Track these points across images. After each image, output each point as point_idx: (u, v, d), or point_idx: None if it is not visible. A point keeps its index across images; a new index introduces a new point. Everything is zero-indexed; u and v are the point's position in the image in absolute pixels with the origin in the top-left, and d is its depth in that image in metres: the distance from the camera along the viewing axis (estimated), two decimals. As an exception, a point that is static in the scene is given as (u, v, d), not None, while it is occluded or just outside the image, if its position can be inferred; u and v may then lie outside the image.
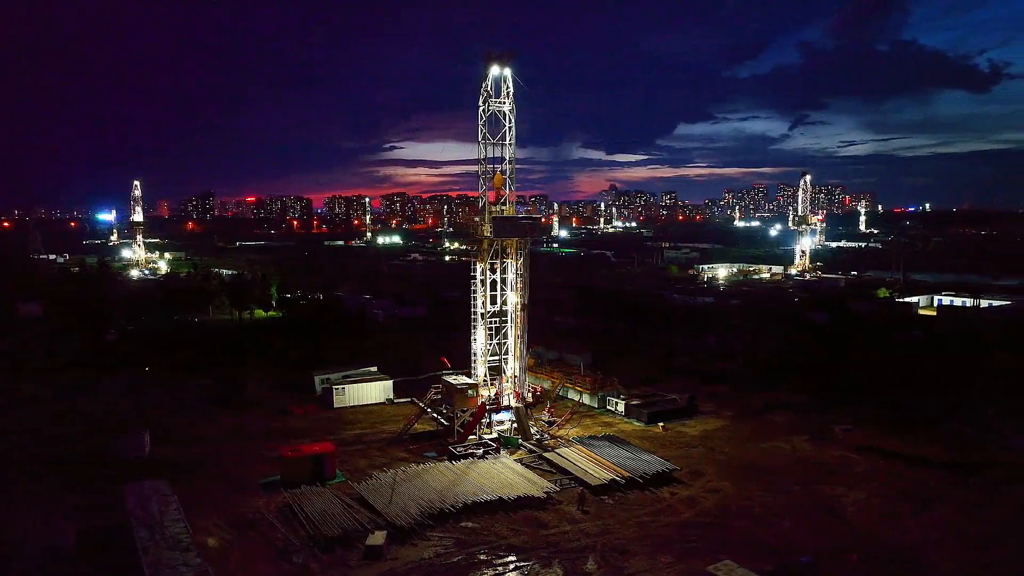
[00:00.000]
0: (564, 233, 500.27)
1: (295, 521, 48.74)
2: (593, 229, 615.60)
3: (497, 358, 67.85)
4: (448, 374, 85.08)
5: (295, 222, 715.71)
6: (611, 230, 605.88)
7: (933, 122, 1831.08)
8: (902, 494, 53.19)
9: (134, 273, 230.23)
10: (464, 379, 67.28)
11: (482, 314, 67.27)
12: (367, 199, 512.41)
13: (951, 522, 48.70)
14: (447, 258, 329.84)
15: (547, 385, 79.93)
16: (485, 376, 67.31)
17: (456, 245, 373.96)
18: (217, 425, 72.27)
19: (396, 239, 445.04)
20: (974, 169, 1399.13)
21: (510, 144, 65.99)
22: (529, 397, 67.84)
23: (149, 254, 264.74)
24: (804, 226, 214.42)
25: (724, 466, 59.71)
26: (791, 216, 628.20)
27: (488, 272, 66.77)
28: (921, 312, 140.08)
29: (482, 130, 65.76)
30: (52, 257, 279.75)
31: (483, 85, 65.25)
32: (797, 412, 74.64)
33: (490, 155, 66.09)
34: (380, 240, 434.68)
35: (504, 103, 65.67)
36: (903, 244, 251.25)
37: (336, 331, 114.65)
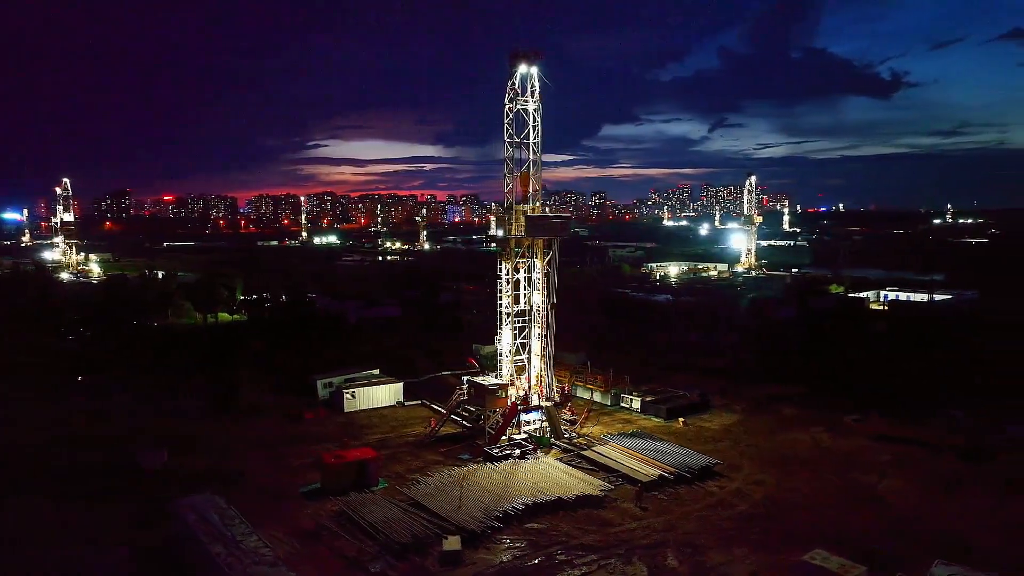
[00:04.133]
0: (501, 232, 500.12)
1: (356, 529, 47.33)
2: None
3: (522, 358, 67.63)
4: (457, 374, 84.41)
5: (222, 222, 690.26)
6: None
7: (842, 126, 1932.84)
8: (932, 480, 55.90)
9: (64, 276, 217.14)
10: (493, 379, 66.74)
11: (507, 313, 66.93)
12: (302, 198, 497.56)
13: (985, 505, 51.51)
14: (389, 258, 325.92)
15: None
16: (512, 376, 66.94)
17: (399, 245, 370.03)
18: (228, 433, 69.16)
19: (333, 239, 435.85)
20: (879, 172, 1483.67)
21: (535, 143, 65.83)
22: (556, 396, 67.81)
23: (77, 256, 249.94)
24: (750, 225, 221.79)
25: (756, 459, 61.32)
26: (717, 215, 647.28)
27: (512, 271, 66.45)
28: (873, 307, 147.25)
29: (508, 129, 65.34)
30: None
31: (509, 83, 64.88)
32: (802, 404, 77.36)
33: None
34: (316, 240, 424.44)
35: (528, 102, 65.45)
36: (846, 243, 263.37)
37: (318, 334, 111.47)
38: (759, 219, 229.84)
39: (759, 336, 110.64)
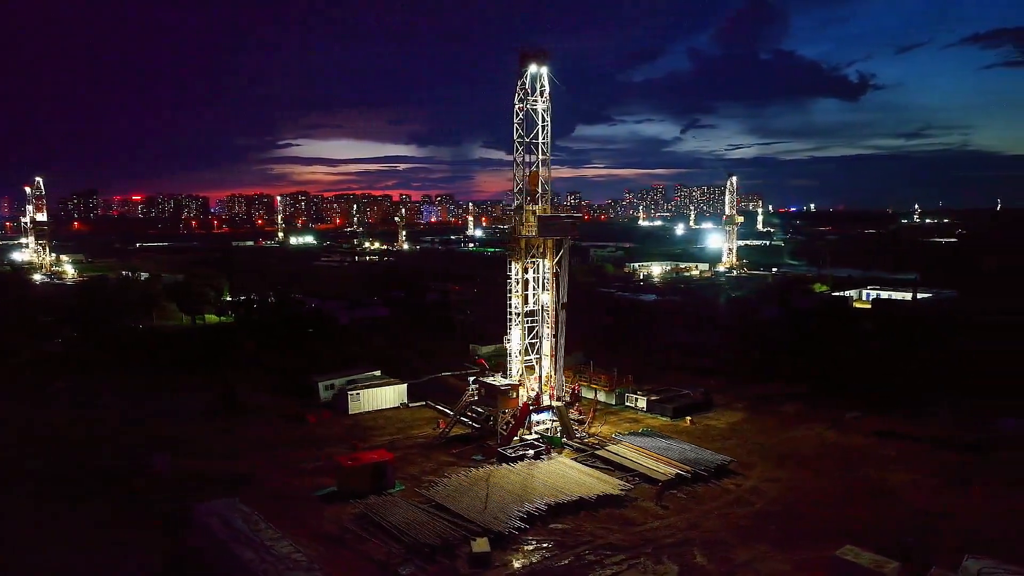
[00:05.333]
0: (479, 232, 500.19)
1: (381, 532, 46.89)
2: (506, 228, 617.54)
3: (531, 358, 67.58)
4: (457, 374, 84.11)
5: (194, 222, 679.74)
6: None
7: (810, 128, 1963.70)
8: (940, 474, 56.98)
9: (37, 278, 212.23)
10: (503, 380, 66.60)
11: (517, 314, 66.85)
12: (277, 198, 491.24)
13: (997, 496, 52.63)
14: (368, 258, 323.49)
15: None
16: (522, 376, 66.85)
17: (377, 245, 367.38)
18: (230, 435, 68.15)
19: (309, 239, 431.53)
20: (847, 172, 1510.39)
21: (544, 143, 65.80)
22: (567, 396, 67.83)
23: (49, 257, 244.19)
24: (731, 225, 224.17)
25: (766, 456, 61.97)
26: (692, 215, 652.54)
27: (522, 272, 66.39)
28: (856, 306, 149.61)
29: (518, 130, 65.24)
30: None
31: (519, 84, 64.78)
32: (801, 402, 78.29)
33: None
34: (293, 240, 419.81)
35: (538, 101, 65.39)
36: (826, 242, 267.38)
37: (309, 335, 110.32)
38: (740, 219, 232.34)
39: (748, 336, 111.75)
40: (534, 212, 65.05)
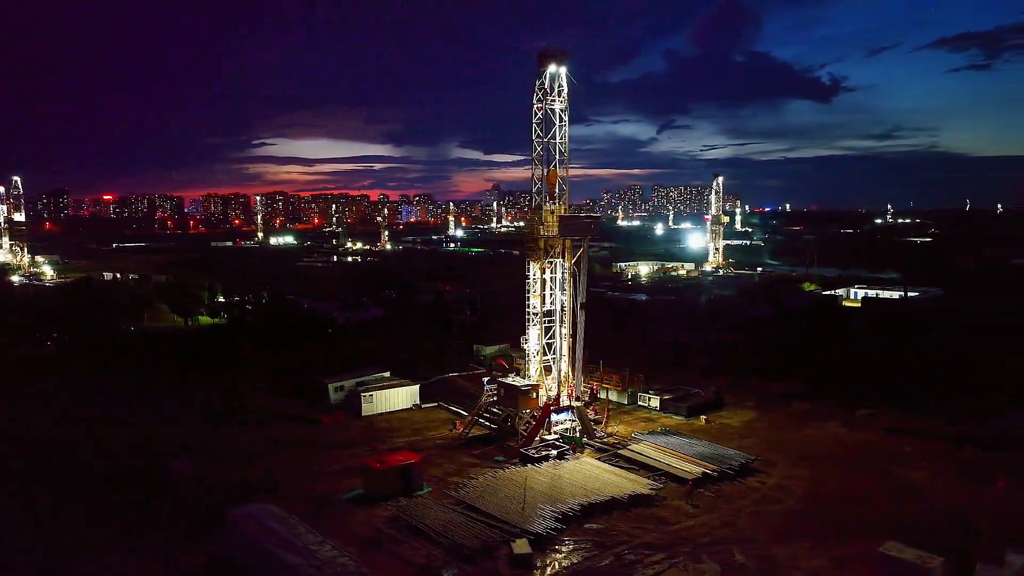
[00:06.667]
0: (460, 232, 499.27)
1: (416, 535, 46.49)
2: (487, 228, 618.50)
3: (547, 358, 67.51)
4: (464, 375, 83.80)
5: (169, 222, 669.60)
6: (504, 229, 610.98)
7: (784, 129, 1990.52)
8: (959, 470, 57.87)
9: (15, 279, 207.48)
10: (521, 380, 66.44)
11: (535, 313, 66.75)
12: (257, 198, 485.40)
13: (1022, 490, 53.56)
14: (350, 258, 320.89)
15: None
16: (540, 377, 66.75)
17: (359, 245, 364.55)
18: (243, 439, 67.17)
19: (289, 239, 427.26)
20: (819, 173, 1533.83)
21: (562, 142, 65.78)
22: (586, 396, 67.82)
23: (26, 258, 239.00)
24: (718, 225, 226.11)
25: (786, 454, 62.43)
26: (670, 215, 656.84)
27: (540, 272, 66.28)
28: (846, 304, 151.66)
29: (536, 129, 65.17)
30: None
31: (537, 84, 64.73)
32: (809, 400, 79.08)
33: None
34: (273, 240, 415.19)
35: (556, 101, 65.36)
36: (811, 241, 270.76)
37: (307, 336, 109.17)
38: (726, 219, 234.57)
39: (743, 335, 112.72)
40: (552, 211, 64.91)
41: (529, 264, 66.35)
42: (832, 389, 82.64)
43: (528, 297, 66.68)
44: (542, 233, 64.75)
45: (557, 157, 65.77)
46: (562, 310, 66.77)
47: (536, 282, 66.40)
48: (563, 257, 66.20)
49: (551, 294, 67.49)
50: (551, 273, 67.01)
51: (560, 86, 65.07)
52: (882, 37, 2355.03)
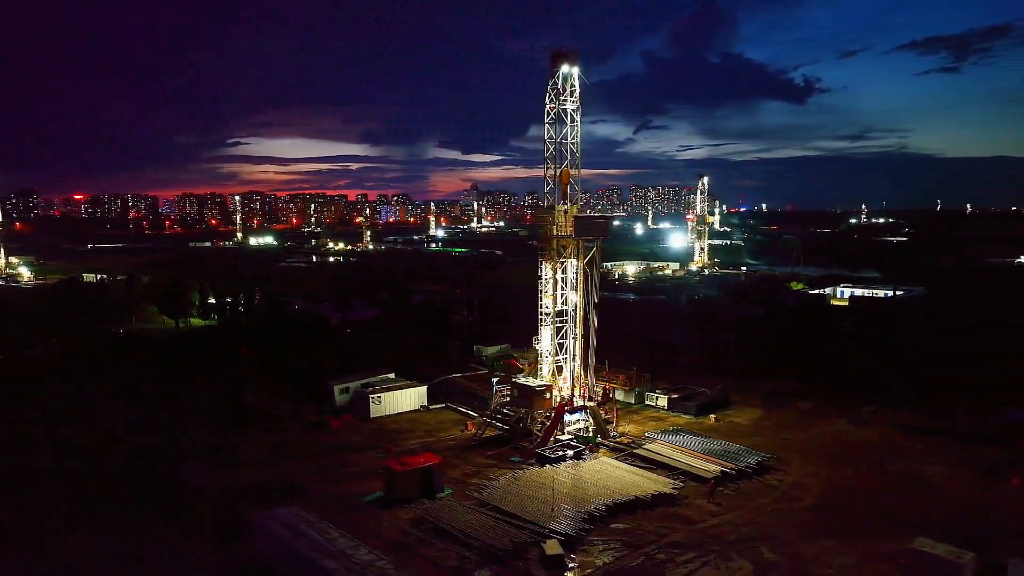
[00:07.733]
0: (441, 232, 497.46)
1: (443, 537, 46.19)
2: (467, 228, 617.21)
3: (559, 358, 67.46)
4: (468, 376, 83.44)
5: (144, 222, 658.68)
6: (484, 229, 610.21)
7: (759, 129, 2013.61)
8: (971, 466, 58.78)
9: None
10: (534, 380, 66.31)
11: (547, 314, 66.67)
12: (236, 198, 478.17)
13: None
14: (331, 259, 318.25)
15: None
16: (553, 377, 66.68)
17: (341, 245, 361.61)
18: (254, 443, 66.20)
19: (269, 239, 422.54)
20: (793, 173, 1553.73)
21: (574, 142, 65.77)
22: (599, 396, 67.86)
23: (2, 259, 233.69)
24: (703, 225, 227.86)
25: (798, 452, 62.99)
26: (650, 215, 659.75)
27: (551, 272, 66.22)
28: (835, 303, 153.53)
29: (548, 129, 65.09)
30: None
31: (550, 84, 64.69)
32: (813, 398, 79.88)
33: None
34: (252, 241, 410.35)
35: (568, 101, 65.34)
36: (798, 241, 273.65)
37: (304, 338, 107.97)
38: (711, 219, 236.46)
39: (735, 334, 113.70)
40: (566, 212, 64.87)
41: (542, 264, 66.23)
42: (827, 387, 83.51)
43: (540, 297, 66.57)
44: (555, 233, 64.64)
45: (569, 157, 65.75)
46: (574, 310, 66.70)
47: (548, 282, 66.31)
48: (576, 257, 66.18)
49: (563, 294, 67.44)
50: (562, 273, 66.96)
51: (572, 86, 65.08)
52: (854, 40, 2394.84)
